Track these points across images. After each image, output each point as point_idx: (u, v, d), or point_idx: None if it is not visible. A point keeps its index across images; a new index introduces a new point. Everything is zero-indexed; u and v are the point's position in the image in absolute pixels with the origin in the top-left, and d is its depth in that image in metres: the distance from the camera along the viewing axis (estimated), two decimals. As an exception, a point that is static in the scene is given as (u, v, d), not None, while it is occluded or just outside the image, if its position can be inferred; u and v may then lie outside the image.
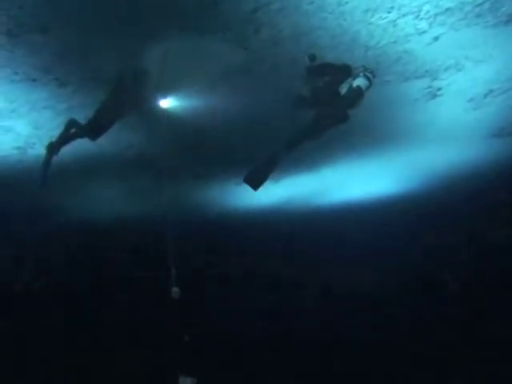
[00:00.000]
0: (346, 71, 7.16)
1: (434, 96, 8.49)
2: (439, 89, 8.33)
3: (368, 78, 7.10)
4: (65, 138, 7.43)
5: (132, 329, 13.82)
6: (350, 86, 7.10)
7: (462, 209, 12.40)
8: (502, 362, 12.40)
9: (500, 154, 10.52)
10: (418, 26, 6.78)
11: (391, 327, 13.70)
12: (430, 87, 8.26)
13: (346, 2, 6.28)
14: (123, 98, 6.97)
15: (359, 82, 7.06)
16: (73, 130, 7.42)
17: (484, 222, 13.07)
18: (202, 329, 12.29)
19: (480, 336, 13.16)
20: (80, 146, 8.00)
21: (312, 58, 6.93)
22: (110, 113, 7.12)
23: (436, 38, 7.04)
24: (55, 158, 7.64)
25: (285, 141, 7.49)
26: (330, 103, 7.19)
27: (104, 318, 13.61)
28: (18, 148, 8.90)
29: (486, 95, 8.59)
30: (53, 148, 7.46)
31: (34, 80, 7.19)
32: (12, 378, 12.29)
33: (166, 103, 7.91)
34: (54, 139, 7.54)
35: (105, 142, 8.54)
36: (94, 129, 7.22)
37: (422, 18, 6.62)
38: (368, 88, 7.14)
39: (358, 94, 7.08)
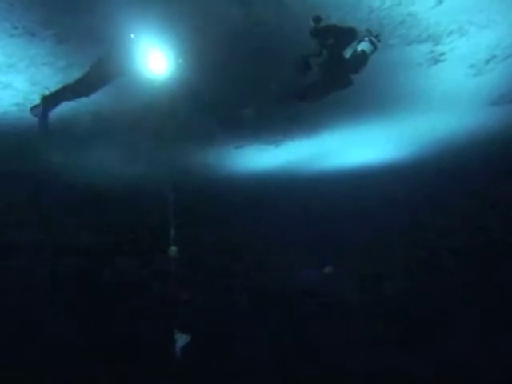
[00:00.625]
0: (351, 34, 7.07)
1: (437, 61, 8.44)
2: (442, 54, 8.27)
3: (373, 43, 7.02)
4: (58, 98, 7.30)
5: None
6: (355, 51, 7.02)
7: (463, 174, 12.38)
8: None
9: (500, 122, 10.49)
10: (423, -12, 6.71)
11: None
12: (432, 52, 8.21)
13: (351, -39, 6.19)
14: (116, 58, 6.86)
15: (364, 46, 6.98)
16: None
17: (485, 184, 13.02)
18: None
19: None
20: (78, 107, 7.98)
21: (317, 20, 6.83)
22: (103, 71, 7.03)
23: (440, 1, 6.98)
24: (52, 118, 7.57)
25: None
26: (334, 67, 7.12)
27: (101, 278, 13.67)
28: (17, 104, 8.84)
29: (487, 61, 8.53)
30: (47, 102, 7.30)
31: (33, 35, 7.11)
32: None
33: (164, 64, 7.82)
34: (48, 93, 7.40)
35: (102, 104, 8.56)
36: (86, 87, 7.12)
37: (427, -20, 6.55)
38: (373, 53, 7.08)
39: (362, 58, 7.00)
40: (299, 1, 6.94)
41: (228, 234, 14.43)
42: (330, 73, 7.17)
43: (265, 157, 12.23)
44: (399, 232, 13.55)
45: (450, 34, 7.76)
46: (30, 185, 11.82)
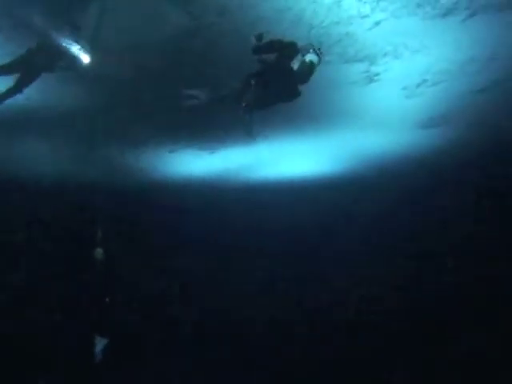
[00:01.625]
0: (293, 48, 7.10)
1: (371, 81, 8.71)
2: (376, 74, 8.55)
3: (318, 55, 7.09)
4: None
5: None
6: (303, 62, 7.02)
7: (387, 192, 12.77)
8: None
9: (428, 144, 10.90)
10: (361, 9, 6.94)
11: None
12: (367, 71, 8.46)
13: (294, -23, 6.31)
14: (53, 51, 6.72)
15: (311, 57, 6.99)
16: None
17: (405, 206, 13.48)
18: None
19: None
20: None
21: (259, 37, 6.81)
22: (36, 65, 6.87)
23: (377, 23, 7.22)
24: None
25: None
26: (284, 78, 7.09)
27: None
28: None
29: (418, 85, 8.88)
30: None
31: (-35, 23, 6.85)
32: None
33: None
34: None
35: (35, 97, 8.32)
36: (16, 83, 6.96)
37: (365, 2, 6.78)
38: (318, 64, 7.12)
39: (310, 69, 7.03)
40: (241, 12, 6.99)
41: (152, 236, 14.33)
42: (279, 84, 7.16)
43: (199, 163, 12.19)
44: (325, 245, 13.83)
45: (384, 55, 8.03)
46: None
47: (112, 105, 9.20)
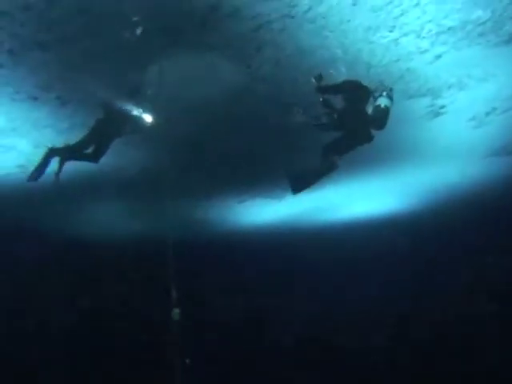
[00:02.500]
0: (364, 90, 6.92)
1: (437, 114, 8.49)
2: (442, 107, 8.32)
3: (390, 97, 6.89)
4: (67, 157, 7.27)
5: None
6: (378, 107, 6.84)
7: (464, 225, 12.34)
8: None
9: (501, 172, 10.48)
10: (420, 45, 6.78)
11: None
12: (432, 105, 8.26)
13: (348, 21, 6.27)
14: (119, 117, 6.90)
15: (384, 101, 6.75)
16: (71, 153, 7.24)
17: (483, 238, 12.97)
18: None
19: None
20: (79, 166, 7.94)
21: (319, 78, 6.74)
22: (106, 133, 7.07)
23: (438, 57, 7.03)
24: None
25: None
26: (358, 123, 6.90)
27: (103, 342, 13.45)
28: (20, 166, 8.86)
29: (487, 113, 8.58)
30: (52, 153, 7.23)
31: (35, 99, 7.18)
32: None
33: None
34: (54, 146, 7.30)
35: (105, 162, 8.54)
36: (93, 150, 7.15)
37: (424, 37, 6.62)
38: (391, 106, 6.84)
39: (385, 113, 6.76)
40: (297, 59, 6.99)
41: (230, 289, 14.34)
42: (353, 129, 6.99)
43: (268, 211, 12.19)
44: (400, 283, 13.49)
45: (449, 87, 7.82)
46: (34, 242, 11.79)
47: (178, 162, 9.33)
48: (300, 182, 7.64)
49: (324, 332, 14.32)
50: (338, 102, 6.89)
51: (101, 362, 13.10)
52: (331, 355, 13.84)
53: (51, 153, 7.09)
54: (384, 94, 6.74)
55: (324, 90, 6.77)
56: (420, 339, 13.66)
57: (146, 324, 13.29)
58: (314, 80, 6.72)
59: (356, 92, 6.86)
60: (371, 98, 6.81)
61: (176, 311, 6.28)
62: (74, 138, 7.42)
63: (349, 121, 6.86)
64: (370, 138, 7.05)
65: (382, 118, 6.75)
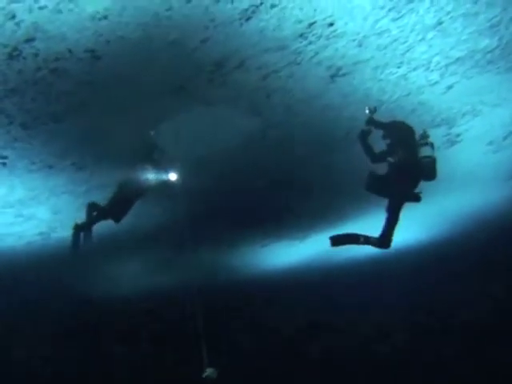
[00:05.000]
0: (409, 132, 6.74)
1: (454, 143, 8.38)
2: (458, 135, 8.22)
3: (432, 145, 6.70)
4: (90, 222, 7.29)
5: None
6: (427, 156, 6.60)
7: (494, 252, 12.11)
8: None
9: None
10: (430, 78, 6.74)
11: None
12: (448, 134, 8.16)
13: (355, 63, 6.25)
14: (139, 177, 6.90)
15: (429, 151, 6.62)
16: (95, 213, 7.27)
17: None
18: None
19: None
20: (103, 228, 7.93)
21: (373, 110, 6.62)
22: (129, 194, 7.05)
23: (449, 87, 6.98)
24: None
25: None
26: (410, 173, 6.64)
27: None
28: (41, 234, 8.91)
29: (505, 137, 8.46)
30: (80, 229, 7.25)
31: (50, 167, 7.24)
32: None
33: (184, 175, 7.84)
34: (79, 222, 7.35)
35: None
36: (115, 212, 7.14)
37: (432, 70, 6.58)
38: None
39: (434, 164, 6.64)
40: (307, 104, 6.98)
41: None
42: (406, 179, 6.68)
43: (290, 253, 12.05)
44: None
45: (463, 115, 7.73)
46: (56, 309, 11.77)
47: (198, 213, 9.31)
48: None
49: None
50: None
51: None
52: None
53: (78, 228, 7.12)
54: (428, 141, 6.64)
55: (374, 123, 6.66)
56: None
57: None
58: (367, 111, 6.61)
59: (403, 133, 6.71)
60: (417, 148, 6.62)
61: (211, 371, 6.14)
62: (92, 199, 7.46)
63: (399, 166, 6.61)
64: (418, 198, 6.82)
65: (432, 168, 6.62)
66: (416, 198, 6.85)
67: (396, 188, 6.73)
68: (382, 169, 6.78)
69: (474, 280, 13.37)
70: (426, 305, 13.91)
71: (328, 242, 7.53)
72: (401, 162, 6.60)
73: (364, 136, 6.76)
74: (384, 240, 6.92)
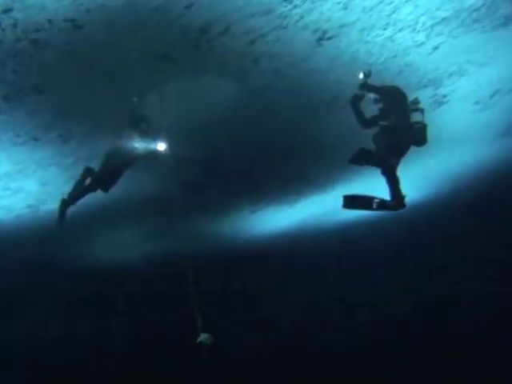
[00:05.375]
0: (402, 97, 6.81)
1: (441, 103, 8.36)
2: (444, 96, 8.20)
3: (422, 111, 6.84)
4: (78, 194, 7.25)
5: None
6: (417, 122, 6.75)
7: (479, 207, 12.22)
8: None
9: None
10: (416, 39, 6.68)
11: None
12: (435, 95, 8.13)
13: (341, 25, 6.17)
14: (126, 147, 6.85)
15: (420, 117, 6.76)
16: (87, 182, 7.22)
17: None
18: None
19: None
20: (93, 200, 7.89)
21: (367, 74, 6.56)
22: (117, 164, 7.00)
23: (435, 48, 6.93)
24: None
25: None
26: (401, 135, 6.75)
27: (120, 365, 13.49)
28: (30, 206, 8.85)
29: (492, 96, 8.44)
30: (66, 204, 7.25)
31: (36, 139, 7.16)
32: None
33: (171, 143, 7.77)
34: (65, 196, 7.32)
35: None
36: (104, 182, 7.10)
37: (418, 31, 6.52)
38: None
39: (425, 129, 6.77)
40: (294, 67, 6.92)
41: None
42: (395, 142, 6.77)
43: (279, 218, 12.09)
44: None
45: (450, 76, 7.70)
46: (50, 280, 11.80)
47: (187, 181, 9.28)
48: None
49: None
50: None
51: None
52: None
53: (65, 203, 7.07)
54: (419, 107, 6.69)
55: (367, 87, 6.63)
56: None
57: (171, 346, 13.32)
58: (361, 75, 6.54)
59: (396, 97, 6.73)
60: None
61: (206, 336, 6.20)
62: (80, 172, 7.39)
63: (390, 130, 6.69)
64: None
65: (423, 134, 6.75)
66: None
67: (386, 155, 6.78)
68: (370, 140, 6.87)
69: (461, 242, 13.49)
70: (415, 271, 14.03)
71: (338, 201, 7.48)
72: (393, 126, 6.65)
73: (356, 101, 6.75)
74: (398, 201, 6.97)
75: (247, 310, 15.02)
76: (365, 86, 6.63)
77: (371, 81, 6.60)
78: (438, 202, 12.02)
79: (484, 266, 14.51)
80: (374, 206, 7.17)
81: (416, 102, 6.79)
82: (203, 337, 6.26)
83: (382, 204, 7.13)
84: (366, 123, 6.84)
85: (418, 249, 13.48)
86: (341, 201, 7.45)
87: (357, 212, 11.07)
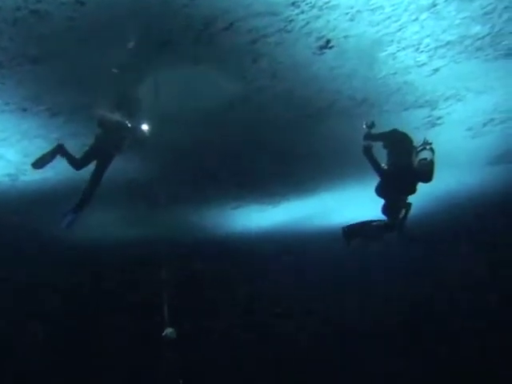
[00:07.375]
0: (407, 141, 7.09)
1: (434, 125, 8.39)
2: (439, 118, 8.23)
3: (432, 150, 6.98)
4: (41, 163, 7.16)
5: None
6: (424, 159, 6.90)
7: (461, 233, 12.29)
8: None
9: (498, 181, 10.41)
10: (418, 59, 6.70)
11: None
12: (429, 116, 8.16)
13: (345, 36, 6.15)
14: (116, 131, 6.78)
15: (429, 154, 6.91)
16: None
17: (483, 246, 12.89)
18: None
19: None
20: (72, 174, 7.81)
21: (371, 125, 6.89)
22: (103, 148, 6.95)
23: (436, 70, 6.95)
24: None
25: None
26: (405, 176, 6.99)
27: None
28: (9, 175, 8.73)
29: (485, 124, 8.49)
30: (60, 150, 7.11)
31: (24, 110, 7.06)
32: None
33: (159, 131, 7.70)
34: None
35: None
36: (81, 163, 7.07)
37: (422, 51, 6.54)
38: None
39: (432, 166, 6.93)
40: (294, 72, 6.88)
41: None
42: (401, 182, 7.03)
43: (262, 217, 12.04)
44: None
45: (446, 99, 7.72)
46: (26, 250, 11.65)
47: (172, 170, 9.23)
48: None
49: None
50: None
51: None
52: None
53: (59, 149, 7.02)
54: (427, 147, 6.85)
55: (371, 137, 6.93)
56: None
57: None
58: (364, 126, 6.89)
59: (401, 143, 6.98)
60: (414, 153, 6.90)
61: (170, 330, 6.18)
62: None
63: (395, 172, 6.93)
64: (414, 191, 7.11)
65: (429, 171, 6.87)
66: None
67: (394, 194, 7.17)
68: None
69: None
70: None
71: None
72: (398, 167, 6.93)
73: (368, 151, 6.95)
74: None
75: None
76: (369, 137, 6.90)
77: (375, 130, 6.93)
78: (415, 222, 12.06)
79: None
80: (374, 227, 7.36)
81: (428, 142, 6.98)
82: (168, 331, 6.23)
83: (382, 226, 7.30)
84: (382, 172, 7.05)
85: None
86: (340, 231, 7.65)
87: (341, 218, 11.16)
